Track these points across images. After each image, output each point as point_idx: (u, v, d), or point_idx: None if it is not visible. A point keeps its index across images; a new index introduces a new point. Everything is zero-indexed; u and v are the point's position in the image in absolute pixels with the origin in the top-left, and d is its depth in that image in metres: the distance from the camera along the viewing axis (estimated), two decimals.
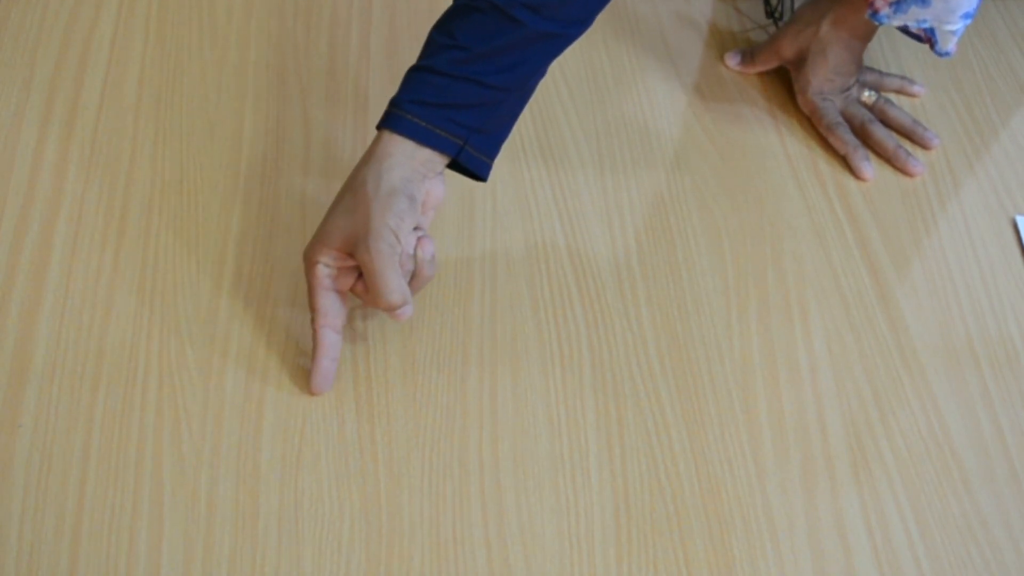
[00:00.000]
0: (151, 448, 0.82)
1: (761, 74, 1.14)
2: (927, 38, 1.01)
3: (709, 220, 1.01)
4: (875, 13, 1.00)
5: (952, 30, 0.99)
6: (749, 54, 1.14)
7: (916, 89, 1.14)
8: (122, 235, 0.94)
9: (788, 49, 1.10)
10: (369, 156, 0.83)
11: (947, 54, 1.02)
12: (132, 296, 0.90)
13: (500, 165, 1.01)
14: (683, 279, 0.96)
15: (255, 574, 0.77)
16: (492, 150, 0.86)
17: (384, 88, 1.06)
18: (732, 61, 1.15)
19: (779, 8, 1.17)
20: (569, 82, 1.11)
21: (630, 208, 1.01)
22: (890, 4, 0.99)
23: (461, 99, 0.82)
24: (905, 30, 1.01)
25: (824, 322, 0.95)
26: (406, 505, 0.81)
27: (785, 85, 1.13)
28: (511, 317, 0.92)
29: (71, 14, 1.11)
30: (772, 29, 1.19)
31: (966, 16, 0.97)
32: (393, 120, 0.82)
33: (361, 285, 0.84)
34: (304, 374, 0.86)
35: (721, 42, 1.17)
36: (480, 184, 1.00)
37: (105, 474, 0.80)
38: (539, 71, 0.86)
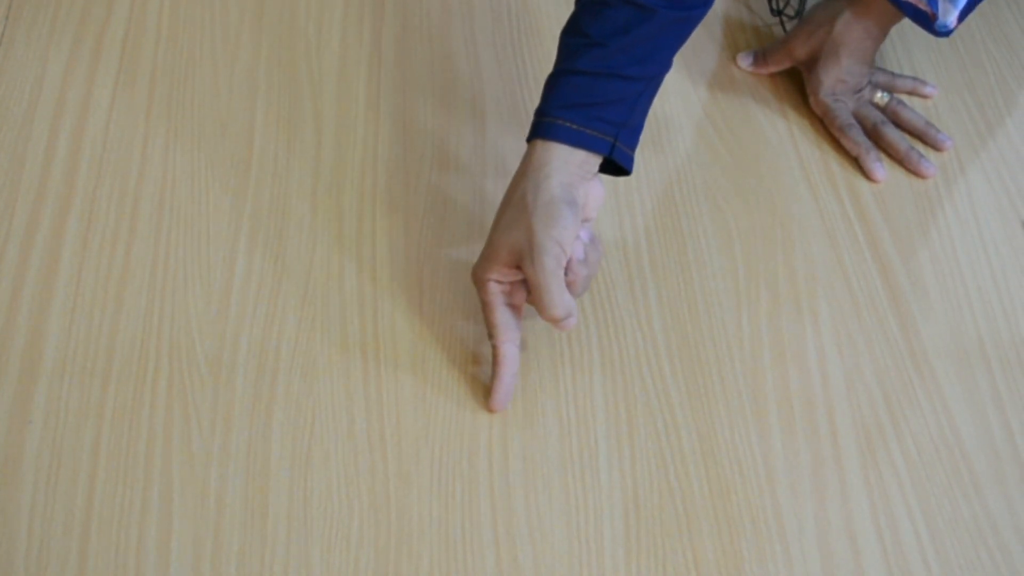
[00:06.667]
0: (161, 445, 0.82)
1: (773, 75, 1.14)
2: (931, 12, 0.99)
3: (720, 221, 1.00)
4: None
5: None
6: (761, 55, 1.14)
7: (928, 90, 1.14)
8: (133, 232, 0.94)
9: (800, 50, 1.10)
10: (525, 168, 0.83)
11: (946, 28, 0.99)
12: (142, 293, 0.90)
13: (508, 165, 1.01)
14: (694, 279, 0.96)
15: (264, 572, 0.77)
16: (635, 142, 0.87)
17: (395, 86, 1.06)
18: (744, 62, 1.14)
19: (782, 2, 1.17)
20: None
21: (641, 208, 1.01)
22: None
23: (606, 96, 0.83)
24: (904, 3, 0.99)
25: (835, 323, 0.94)
26: (415, 503, 0.81)
27: (797, 86, 1.12)
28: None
29: (83, 12, 1.11)
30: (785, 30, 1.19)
31: None
32: (544, 128, 0.83)
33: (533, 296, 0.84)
34: (311, 371, 0.86)
35: (733, 43, 1.17)
36: (492, 181, 1.00)
37: (115, 471, 0.80)
38: (671, 58, 0.87)
